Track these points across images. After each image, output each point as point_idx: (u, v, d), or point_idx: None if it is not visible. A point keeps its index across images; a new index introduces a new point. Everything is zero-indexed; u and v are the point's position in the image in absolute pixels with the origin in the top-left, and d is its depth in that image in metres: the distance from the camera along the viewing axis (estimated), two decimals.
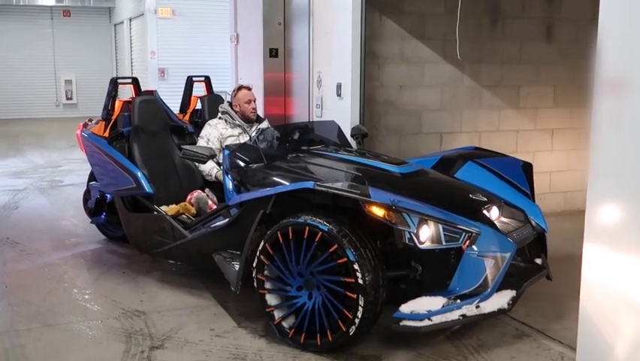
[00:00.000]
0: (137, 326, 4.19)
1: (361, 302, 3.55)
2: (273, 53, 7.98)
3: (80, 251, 5.87)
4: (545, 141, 7.08)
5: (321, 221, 3.66)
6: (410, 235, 3.59)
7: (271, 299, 3.94)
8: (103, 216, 5.87)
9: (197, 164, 5.38)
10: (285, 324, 3.89)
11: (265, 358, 3.76)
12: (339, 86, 6.17)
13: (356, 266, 3.53)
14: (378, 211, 3.62)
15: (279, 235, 3.81)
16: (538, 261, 4.31)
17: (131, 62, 16.52)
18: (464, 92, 6.64)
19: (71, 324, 4.24)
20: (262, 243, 3.91)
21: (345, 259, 3.56)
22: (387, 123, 6.36)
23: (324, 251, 3.66)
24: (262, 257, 3.91)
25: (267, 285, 3.95)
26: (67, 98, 19.03)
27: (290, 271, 3.84)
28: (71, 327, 4.20)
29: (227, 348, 3.88)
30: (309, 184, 3.79)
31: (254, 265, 3.95)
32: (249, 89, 5.76)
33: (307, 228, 3.68)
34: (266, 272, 3.94)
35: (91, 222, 6.10)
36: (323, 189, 3.73)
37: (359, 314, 3.57)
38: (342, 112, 6.10)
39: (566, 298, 4.49)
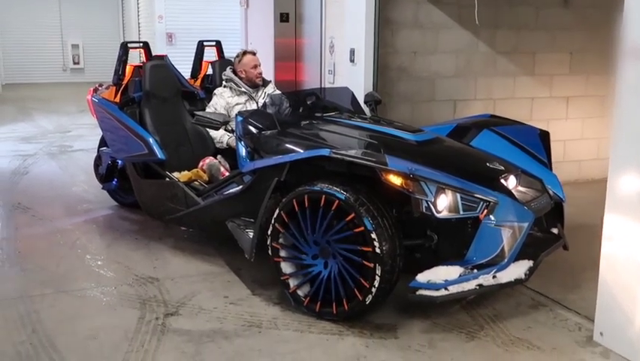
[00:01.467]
0: (150, 293, 4.18)
1: (378, 271, 3.52)
2: (283, 17, 7.86)
3: (92, 217, 5.86)
4: (560, 109, 6.98)
5: (338, 189, 3.61)
6: (428, 204, 3.54)
7: (286, 267, 3.92)
8: (114, 183, 5.84)
9: (208, 130, 5.32)
10: (300, 292, 3.87)
11: (280, 326, 3.75)
12: (352, 52, 6.06)
13: (373, 235, 3.50)
14: (396, 180, 3.56)
15: (295, 203, 3.77)
16: (555, 230, 4.26)
17: (139, 27, 16.35)
18: (479, 59, 6.53)
19: (85, 290, 4.24)
20: (277, 211, 3.86)
21: (363, 228, 3.53)
22: (400, 90, 6.27)
23: (341, 220, 3.62)
24: (277, 225, 3.87)
25: (282, 253, 3.92)
26: (75, 63, 18.93)
27: (305, 239, 3.80)
28: (85, 293, 4.20)
29: (241, 315, 3.87)
30: (325, 152, 3.73)
31: (269, 232, 3.92)
32: (254, 53, 5.66)
33: (324, 196, 3.63)
34: (281, 240, 3.91)
35: (102, 189, 6.08)
36: (339, 156, 3.67)
37: (376, 283, 3.54)
38: (355, 78, 6.01)
39: (582, 269, 4.47)
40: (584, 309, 3.91)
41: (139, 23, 16.34)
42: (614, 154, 3.36)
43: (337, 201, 3.59)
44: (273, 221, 3.88)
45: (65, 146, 9.23)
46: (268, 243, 3.94)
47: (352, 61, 6.08)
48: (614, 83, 6.81)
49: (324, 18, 6.81)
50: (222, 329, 3.71)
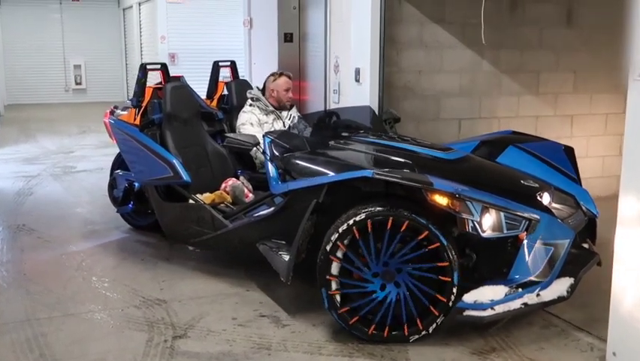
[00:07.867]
0: (158, 315, 4.15)
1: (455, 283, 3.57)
2: (287, 37, 7.90)
3: (97, 238, 5.82)
4: (565, 128, 6.98)
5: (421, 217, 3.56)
6: (473, 224, 3.52)
7: (336, 286, 3.75)
8: (130, 206, 5.70)
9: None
10: (347, 314, 3.73)
11: (290, 348, 3.72)
12: (357, 72, 6.07)
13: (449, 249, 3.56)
14: (441, 200, 3.53)
15: (369, 224, 3.61)
16: (585, 245, 4.23)
17: (141, 47, 16.40)
18: (483, 78, 6.54)
19: (92, 313, 4.20)
20: (344, 225, 3.64)
21: (438, 244, 3.54)
22: (406, 109, 6.26)
23: (418, 244, 3.59)
24: (339, 243, 3.67)
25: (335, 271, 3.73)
26: (77, 83, 18.94)
27: (373, 262, 3.67)
28: (92, 316, 4.16)
29: (250, 338, 3.84)
30: (368, 173, 3.66)
31: (327, 248, 3.69)
32: (290, 77, 5.66)
33: (391, 218, 3.56)
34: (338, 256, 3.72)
35: (117, 212, 5.95)
36: (383, 177, 3.62)
37: (453, 297, 3.57)
38: (360, 97, 6.01)
39: (591, 288, 4.42)
40: (595, 329, 3.88)
41: (141, 44, 16.39)
42: (625, 173, 3.35)
43: (407, 222, 3.54)
44: (334, 238, 3.67)
45: (69, 167, 9.19)
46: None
47: (357, 80, 6.09)
48: (617, 101, 6.87)
49: (329, 38, 6.83)
50: (232, 351, 3.67)
